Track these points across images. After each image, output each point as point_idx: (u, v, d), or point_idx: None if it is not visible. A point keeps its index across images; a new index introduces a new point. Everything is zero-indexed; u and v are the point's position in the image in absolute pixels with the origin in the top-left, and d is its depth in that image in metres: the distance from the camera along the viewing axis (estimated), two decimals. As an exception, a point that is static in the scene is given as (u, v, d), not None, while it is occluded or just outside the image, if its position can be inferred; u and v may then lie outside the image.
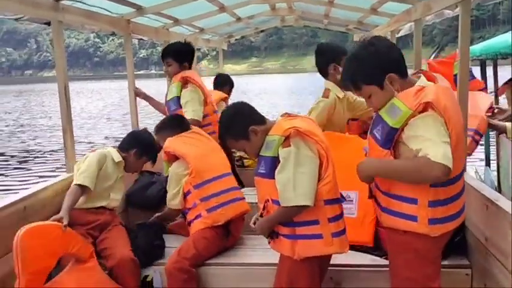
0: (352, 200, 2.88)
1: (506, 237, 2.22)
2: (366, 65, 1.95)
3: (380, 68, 1.93)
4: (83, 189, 2.87)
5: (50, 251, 2.43)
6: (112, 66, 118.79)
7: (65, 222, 2.55)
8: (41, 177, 8.85)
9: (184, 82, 3.77)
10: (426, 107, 1.85)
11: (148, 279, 2.84)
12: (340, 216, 2.27)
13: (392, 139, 1.92)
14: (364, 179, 2.07)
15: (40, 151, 12.65)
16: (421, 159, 1.81)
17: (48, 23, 3.20)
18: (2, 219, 2.48)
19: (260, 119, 2.33)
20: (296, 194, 2.10)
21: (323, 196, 2.18)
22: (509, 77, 4.61)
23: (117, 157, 3.17)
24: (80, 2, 3.40)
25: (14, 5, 2.78)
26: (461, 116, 2.02)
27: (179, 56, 3.85)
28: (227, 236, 3.00)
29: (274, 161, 2.18)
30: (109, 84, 49.45)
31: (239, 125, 2.29)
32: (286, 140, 2.16)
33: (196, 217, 2.95)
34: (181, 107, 3.74)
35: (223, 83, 5.35)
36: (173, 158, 3.05)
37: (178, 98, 3.77)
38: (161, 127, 3.25)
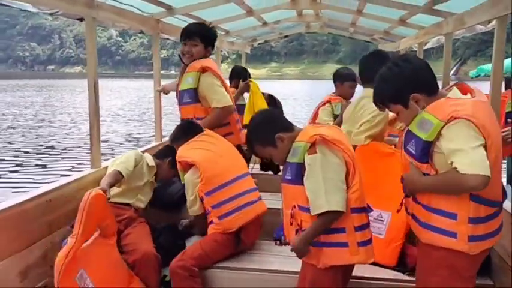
0: (383, 221, 2.79)
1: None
2: (391, 86, 2.02)
3: (403, 89, 1.98)
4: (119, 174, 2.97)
5: (98, 219, 2.60)
6: (133, 65, 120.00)
7: (108, 195, 2.66)
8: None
9: (203, 71, 3.32)
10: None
11: (167, 279, 2.84)
12: (367, 225, 2.24)
13: (427, 153, 1.90)
14: (410, 192, 2.06)
15: (56, 148, 12.78)
16: (448, 173, 1.81)
17: (81, 19, 3.24)
18: (26, 211, 2.51)
19: (287, 126, 2.32)
20: (328, 200, 2.07)
21: (350, 204, 2.14)
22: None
23: (151, 161, 3.25)
24: (113, -1, 3.44)
25: (50, 0, 2.82)
26: (500, 137, 1.97)
27: (207, 38, 3.41)
28: (239, 243, 2.96)
29: (300, 168, 2.16)
30: (129, 83, 49.97)
31: (266, 132, 2.28)
32: (312, 147, 2.15)
33: (210, 222, 2.95)
34: (197, 101, 3.34)
35: (235, 75, 5.13)
36: (187, 166, 3.00)
37: (195, 90, 3.32)
38: (175, 137, 3.18)
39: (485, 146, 1.81)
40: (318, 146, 2.14)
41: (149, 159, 3.26)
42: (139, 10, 3.97)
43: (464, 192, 1.86)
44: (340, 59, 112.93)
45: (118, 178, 2.95)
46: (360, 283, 2.59)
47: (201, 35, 3.37)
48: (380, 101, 2.10)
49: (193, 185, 2.93)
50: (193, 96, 3.33)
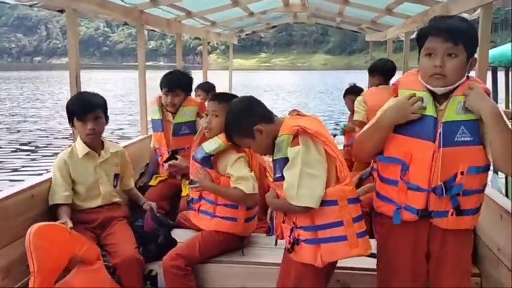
0: None
1: (519, 248, 2.18)
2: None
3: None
4: (62, 205, 2.79)
5: (60, 251, 2.40)
6: (121, 56, 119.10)
7: (70, 225, 2.53)
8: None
9: (201, 108, 3.66)
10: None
11: (153, 273, 2.81)
12: (362, 217, 2.17)
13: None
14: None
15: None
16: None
17: (62, 11, 3.18)
18: (10, 206, 2.47)
19: (268, 117, 2.23)
20: (298, 194, 2.02)
21: (347, 195, 2.08)
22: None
23: (83, 150, 2.86)
24: (95, -10, 3.38)
25: (29, -9, 2.76)
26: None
27: (187, 87, 3.75)
28: (239, 247, 2.87)
29: (286, 162, 2.10)
30: (117, 74, 49.49)
31: (244, 123, 2.21)
32: (294, 139, 2.10)
33: (225, 218, 2.79)
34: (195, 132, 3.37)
35: (204, 89, 5.12)
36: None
37: (194, 122, 3.67)
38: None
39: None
40: (300, 137, 2.07)
41: (80, 150, 2.86)
42: (123, 1, 3.90)
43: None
44: (329, 49, 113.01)
45: (62, 210, 2.73)
46: (345, 274, 2.59)
47: (182, 87, 3.67)
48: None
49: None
50: (193, 127, 3.65)
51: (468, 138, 1.90)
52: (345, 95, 4.84)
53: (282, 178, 2.09)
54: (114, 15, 3.88)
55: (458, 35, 1.88)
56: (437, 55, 1.90)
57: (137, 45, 4.47)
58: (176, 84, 3.65)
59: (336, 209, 2.06)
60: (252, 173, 2.70)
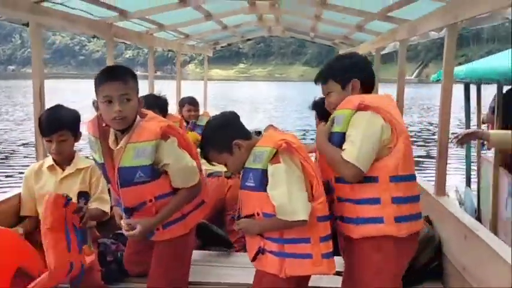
0: None
1: (484, 268, 2.20)
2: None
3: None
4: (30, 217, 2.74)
5: (5, 256, 2.24)
6: (97, 65, 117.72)
7: (21, 231, 2.45)
8: None
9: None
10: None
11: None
12: (330, 236, 2.17)
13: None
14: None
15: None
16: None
17: (26, 24, 3.10)
18: None
19: (246, 134, 2.23)
20: (293, 209, 2.02)
21: (317, 213, 2.09)
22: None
23: (48, 163, 2.78)
24: (61, 4, 3.31)
25: (-10, 5, 2.69)
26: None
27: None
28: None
29: (264, 174, 2.08)
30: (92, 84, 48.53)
31: (223, 137, 2.19)
32: (275, 156, 2.08)
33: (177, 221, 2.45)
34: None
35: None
36: None
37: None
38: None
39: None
40: (281, 155, 2.07)
41: (47, 163, 2.78)
42: (91, 14, 3.83)
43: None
44: (307, 60, 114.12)
45: (25, 221, 2.70)
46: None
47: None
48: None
49: None
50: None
51: None
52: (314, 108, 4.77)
53: (255, 188, 2.09)
54: (82, 28, 3.81)
55: (325, 75, 2.26)
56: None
57: (107, 58, 4.39)
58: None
59: (306, 225, 2.06)
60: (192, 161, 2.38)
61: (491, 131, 3.45)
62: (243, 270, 2.87)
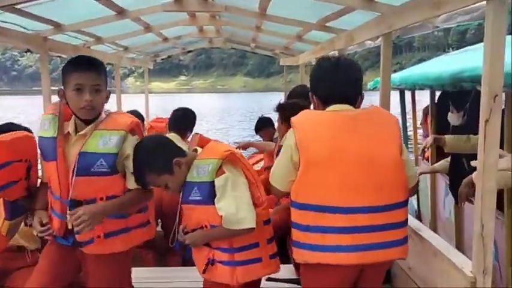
0: None
1: (429, 267, 2.27)
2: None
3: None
4: None
5: None
6: (31, 81, 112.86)
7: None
8: None
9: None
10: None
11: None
12: (273, 238, 2.25)
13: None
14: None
15: None
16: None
17: (-49, 39, 2.91)
18: None
19: (182, 151, 2.22)
20: (239, 218, 2.03)
21: (263, 217, 2.15)
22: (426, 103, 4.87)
23: None
24: (-10, 17, 3.14)
25: None
26: None
27: None
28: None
29: (212, 186, 2.06)
30: (27, 100, 46.72)
31: (162, 158, 2.13)
32: (220, 168, 2.07)
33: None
34: None
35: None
36: None
37: None
38: None
39: None
40: (225, 166, 2.08)
41: None
42: (24, 28, 3.66)
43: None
44: (248, 71, 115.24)
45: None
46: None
47: None
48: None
49: None
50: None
51: None
52: (258, 131, 4.84)
53: (202, 202, 2.07)
54: (15, 42, 3.62)
55: None
56: None
57: (41, 73, 4.20)
58: None
59: (254, 231, 2.08)
60: None
61: (446, 136, 3.60)
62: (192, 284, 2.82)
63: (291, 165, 1.96)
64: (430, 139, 3.63)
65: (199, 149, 2.23)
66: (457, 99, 4.01)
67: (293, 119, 2.01)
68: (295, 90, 4.13)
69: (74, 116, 2.18)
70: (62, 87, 2.15)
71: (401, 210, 1.94)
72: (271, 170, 2.10)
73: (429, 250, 2.26)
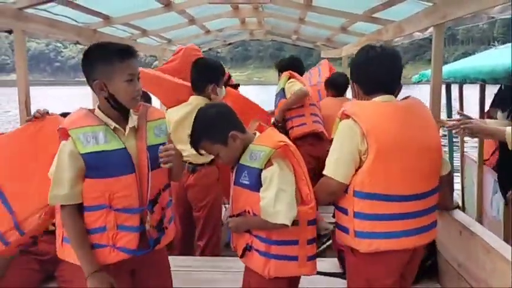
0: None
1: (479, 263, 2.22)
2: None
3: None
4: None
5: None
6: (73, 71, 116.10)
7: None
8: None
9: None
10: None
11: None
12: (315, 239, 2.19)
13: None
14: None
15: None
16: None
17: (10, 31, 3.03)
18: None
19: (241, 127, 2.19)
20: (275, 211, 2.00)
21: (308, 216, 2.09)
22: (475, 97, 4.70)
23: None
24: (45, 10, 3.25)
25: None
26: None
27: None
28: None
29: (259, 175, 2.04)
30: (69, 90, 48.04)
31: (219, 128, 2.13)
32: (269, 160, 2.04)
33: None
34: None
35: None
36: None
37: None
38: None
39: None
40: (274, 159, 2.04)
41: None
42: (75, 21, 3.77)
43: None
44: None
45: None
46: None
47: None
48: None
49: None
50: None
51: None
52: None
53: (249, 187, 2.06)
54: (66, 34, 3.73)
55: None
56: None
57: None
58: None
59: (296, 228, 2.06)
60: None
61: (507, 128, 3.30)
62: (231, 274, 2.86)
63: (357, 155, 1.99)
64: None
65: (258, 133, 2.21)
66: (503, 99, 3.86)
67: (350, 110, 2.03)
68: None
69: (113, 110, 1.99)
70: (99, 80, 1.92)
71: (437, 194, 2.11)
72: (328, 163, 2.07)
73: (481, 247, 2.20)
